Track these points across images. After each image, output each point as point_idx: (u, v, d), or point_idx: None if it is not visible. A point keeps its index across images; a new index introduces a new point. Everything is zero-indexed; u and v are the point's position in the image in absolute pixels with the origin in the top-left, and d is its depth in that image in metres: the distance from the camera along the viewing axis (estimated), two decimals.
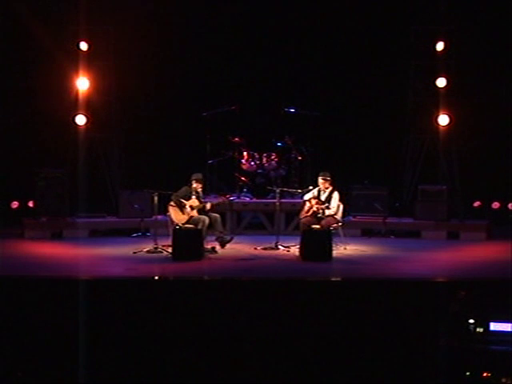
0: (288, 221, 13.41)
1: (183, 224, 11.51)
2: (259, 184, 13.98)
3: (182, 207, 11.55)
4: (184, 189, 11.68)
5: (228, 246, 12.12)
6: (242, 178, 13.89)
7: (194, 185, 11.71)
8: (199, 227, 11.38)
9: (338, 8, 14.35)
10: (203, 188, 12.05)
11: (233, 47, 14.66)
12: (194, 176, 11.76)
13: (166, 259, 11.16)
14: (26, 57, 14.16)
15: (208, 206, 11.77)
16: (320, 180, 11.83)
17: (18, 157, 14.14)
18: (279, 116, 14.10)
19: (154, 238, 11.75)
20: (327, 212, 11.64)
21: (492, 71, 13.84)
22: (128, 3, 13.84)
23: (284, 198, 13.12)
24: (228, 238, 11.89)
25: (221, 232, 11.73)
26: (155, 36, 14.24)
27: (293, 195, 13.42)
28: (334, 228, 11.76)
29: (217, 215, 11.83)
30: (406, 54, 13.95)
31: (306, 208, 11.80)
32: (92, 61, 13.88)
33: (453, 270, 10.48)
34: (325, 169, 12.09)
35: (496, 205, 14.25)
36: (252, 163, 13.87)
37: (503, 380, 7.43)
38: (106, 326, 8.37)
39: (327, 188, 11.86)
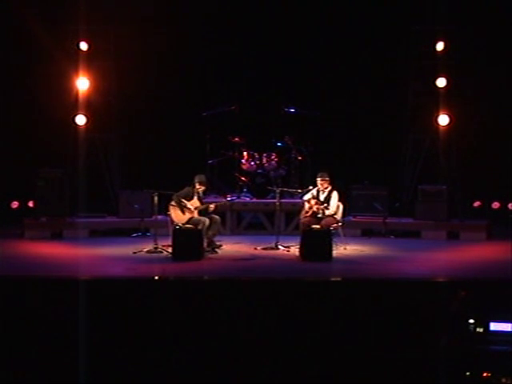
0: (288, 221, 13.42)
1: (183, 224, 11.51)
2: (259, 184, 13.98)
3: (182, 207, 11.55)
4: (186, 189, 11.67)
5: (228, 246, 12.14)
6: (242, 178, 13.89)
7: (197, 186, 11.70)
8: (199, 228, 11.37)
9: (338, 8, 14.35)
10: (205, 190, 12.05)
11: (233, 47, 14.66)
12: (198, 178, 11.73)
13: (166, 259, 11.17)
14: (26, 57, 14.16)
15: (212, 206, 11.75)
16: (319, 180, 11.83)
17: (17, 157, 14.15)
18: (279, 116, 14.10)
19: (154, 238, 11.75)
20: (326, 212, 11.64)
21: (492, 71, 13.83)
22: (128, 3, 13.83)
23: (284, 197, 13.12)
24: (218, 244, 11.85)
25: (213, 235, 11.68)
26: (155, 36, 14.23)
27: (293, 195, 13.42)
28: (334, 228, 11.76)
29: (218, 217, 11.82)
30: (406, 53, 13.95)
31: (306, 208, 11.80)
32: (92, 61, 13.87)
33: (453, 269, 10.48)
34: (324, 169, 12.09)
35: (496, 205, 14.25)
36: (252, 163, 13.87)
37: (503, 380, 7.43)
38: (106, 325, 8.37)
39: (326, 188, 11.86)
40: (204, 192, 12.09)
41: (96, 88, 13.98)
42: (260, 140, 14.09)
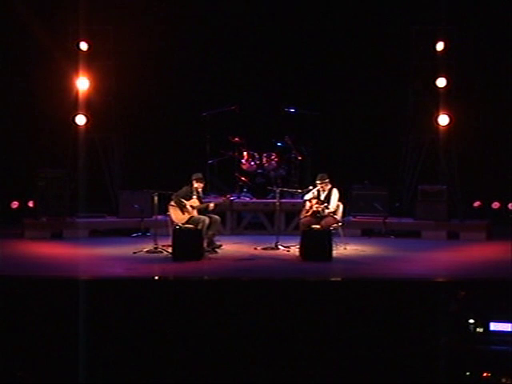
0: (288, 221, 13.41)
1: (183, 224, 11.51)
2: (259, 184, 13.98)
3: (182, 207, 11.55)
4: (185, 189, 11.68)
5: (228, 246, 12.14)
6: (242, 178, 13.89)
7: (196, 184, 11.73)
8: (199, 227, 11.38)
9: (338, 8, 14.35)
10: (204, 188, 12.08)
11: (233, 47, 14.66)
12: (195, 176, 11.76)
13: (166, 259, 11.17)
14: (26, 57, 14.16)
15: (212, 205, 11.77)
16: (318, 183, 11.82)
17: (18, 157, 14.16)
18: (279, 116, 14.10)
19: (154, 238, 11.75)
20: (327, 211, 11.64)
21: (492, 71, 13.84)
22: (128, 3, 13.84)
23: (284, 197, 13.13)
24: (218, 244, 11.86)
25: (213, 234, 11.69)
26: (155, 36, 14.25)
27: (293, 195, 13.42)
28: (334, 228, 11.76)
29: (217, 217, 11.82)
30: (406, 54, 13.95)
31: (307, 208, 11.80)
32: (92, 61, 13.86)
33: (453, 269, 10.48)
34: (324, 169, 12.09)
35: (496, 205, 14.25)
36: (252, 163, 13.87)
37: (503, 380, 7.43)
38: (106, 325, 8.37)
39: (327, 187, 11.86)
40: (203, 190, 12.10)
41: (96, 88, 13.98)
42: (260, 140, 14.09)
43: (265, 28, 14.53)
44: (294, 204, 13.25)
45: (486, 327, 7.81)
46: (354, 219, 13.51)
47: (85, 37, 13.77)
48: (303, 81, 14.61)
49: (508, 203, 14.21)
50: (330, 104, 14.49)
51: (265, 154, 13.84)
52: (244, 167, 13.89)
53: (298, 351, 8.15)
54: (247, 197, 13.84)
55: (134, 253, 11.50)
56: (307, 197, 11.92)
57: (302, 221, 11.78)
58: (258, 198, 13.84)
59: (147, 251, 11.54)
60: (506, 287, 8.53)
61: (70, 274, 9.91)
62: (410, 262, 10.98)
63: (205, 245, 11.44)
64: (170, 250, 11.30)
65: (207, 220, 11.49)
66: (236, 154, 13.95)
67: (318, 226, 11.58)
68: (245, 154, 13.87)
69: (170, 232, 11.47)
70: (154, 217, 12.29)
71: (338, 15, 14.39)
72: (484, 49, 13.83)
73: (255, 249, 11.99)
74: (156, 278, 10.27)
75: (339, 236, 11.94)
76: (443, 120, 13.71)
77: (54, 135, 13.94)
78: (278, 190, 12.26)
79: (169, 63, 14.46)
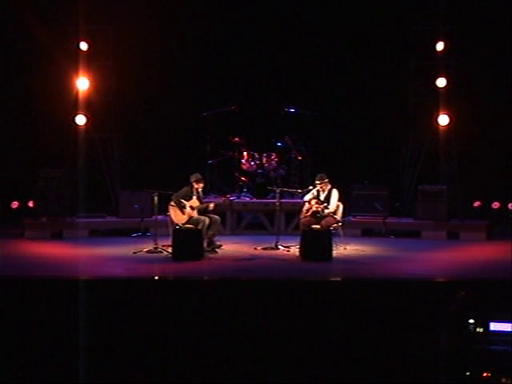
0: (288, 221, 13.41)
1: (183, 224, 11.51)
2: (259, 184, 13.98)
3: (182, 207, 11.55)
4: (184, 189, 11.68)
5: (228, 246, 12.15)
6: (242, 178, 13.89)
7: (195, 185, 11.71)
8: (199, 227, 11.38)
9: (338, 8, 14.35)
10: (204, 188, 12.08)
11: (233, 47, 14.66)
12: (194, 177, 11.73)
13: (166, 259, 11.17)
14: (25, 57, 14.16)
15: (211, 206, 11.77)
16: (317, 183, 11.82)
17: (18, 157, 14.16)
18: (279, 116, 14.10)
19: (154, 238, 11.75)
20: (326, 211, 11.64)
21: (492, 71, 13.84)
22: (128, 3, 13.84)
23: (284, 198, 13.13)
24: (218, 244, 11.86)
25: (213, 234, 11.69)
26: (155, 36, 14.25)
27: (293, 195, 13.43)
28: (334, 228, 11.76)
29: (217, 217, 11.82)
30: (406, 54, 13.95)
31: (307, 208, 11.80)
32: (92, 61, 13.86)
33: (453, 269, 10.48)
34: (324, 169, 12.10)
35: (496, 205, 14.26)
36: (252, 163, 13.86)
37: (503, 380, 7.44)
38: (106, 326, 8.37)
39: (326, 187, 11.86)
40: (203, 190, 12.10)
41: (96, 88, 13.98)
42: (260, 140, 14.09)
43: (265, 28, 14.52)
44: (293, 204, 13.25)
45: (486, 327, 7.82)
46: (354, 219, 13.52)
47: (85, 37, 13.76)
48: (303, 81, 14.61)
49: (508, 203, 14.22)
50: (330, 104, 14.49)
51: (265, 154, 13.84)
52: (244, 167, 13.89)
53: (298, 351, 8.15)
54: (247, 197, 13.84)
55: (134, 253, 11.50)
56: (307, 197, 11.93)
57: (302, 221, 11.78)
58: (258, 198, 13.83)
59: (147, 251, 11.54)
60: (506, 287, 8.54)
61: (70, 274, 9.91)
62: (410, 262, 10.98)
63: (205, 245, 11.45)
64: (170, 250, 11.30)
65: (207, 220, 11.50)
66: (236, 154, 13.95)
67: (317, 226, 11.58)
68: (245, 154, 13.87)
69: (170, 232, 11.46)
70: (154, 217, 12.29)
71: (338, 15, 14.38)
72: (484, 49, 13.82)
73: (255, 249, 11.99)
74: (156, 278, 10.27)
75: (339, 236, 11.94)
76: (443, 120, 13.70)
77: (54, 135, 13.94)
78: (278, 190, 12.26)
79: (169, 63, 14.45)
